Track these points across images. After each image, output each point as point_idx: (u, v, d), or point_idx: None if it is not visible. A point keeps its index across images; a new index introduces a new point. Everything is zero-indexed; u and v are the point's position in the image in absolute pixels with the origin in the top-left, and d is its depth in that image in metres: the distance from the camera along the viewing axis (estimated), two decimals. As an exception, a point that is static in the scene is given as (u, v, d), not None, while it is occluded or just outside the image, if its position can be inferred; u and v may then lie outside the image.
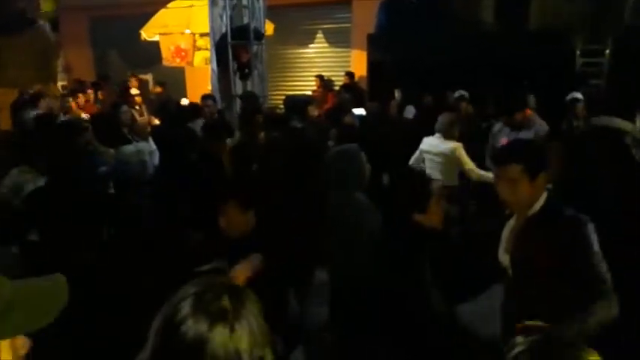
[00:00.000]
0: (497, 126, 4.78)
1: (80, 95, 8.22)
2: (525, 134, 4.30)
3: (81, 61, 12.57)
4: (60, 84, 11.33)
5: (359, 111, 6.10)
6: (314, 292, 3.40)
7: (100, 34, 12.57)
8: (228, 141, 4.04)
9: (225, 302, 0.98)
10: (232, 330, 0.96)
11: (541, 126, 4.43)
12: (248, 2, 6.68)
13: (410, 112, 7.34)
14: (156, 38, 9.10)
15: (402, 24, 9.04)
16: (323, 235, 3.13)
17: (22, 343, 0.94)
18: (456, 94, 7.23)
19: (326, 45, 11.39)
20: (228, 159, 3.65)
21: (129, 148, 4.95)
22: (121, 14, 10.71)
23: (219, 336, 0.95)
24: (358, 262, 2.95)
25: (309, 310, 3.48)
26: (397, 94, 7.97)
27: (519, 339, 1.23)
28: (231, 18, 6.62)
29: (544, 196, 2.12)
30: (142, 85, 10.12)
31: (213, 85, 6.86)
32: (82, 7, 11.44)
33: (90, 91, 8.64)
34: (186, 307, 0.98)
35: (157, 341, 0.99)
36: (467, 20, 9.39)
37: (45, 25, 12.47)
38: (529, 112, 4.64)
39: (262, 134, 3.80)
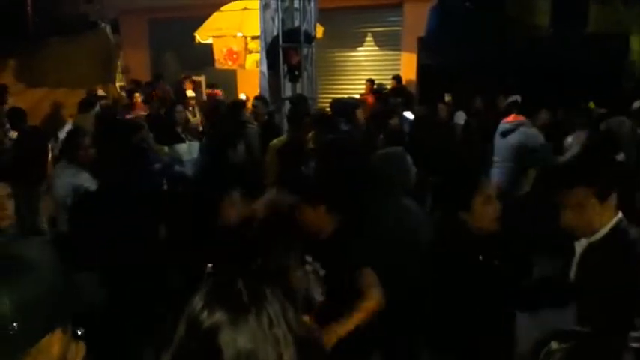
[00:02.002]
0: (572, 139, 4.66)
1: (136, 95, 8.55)
2: None
3: (139, 62, 13.05)
4: (118, 84, 11.80)
5: (409, 114, 6.06)
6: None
7: (157, 36, 13.02)
8: (274, 141, 4.12)
9: (242, 295, 0.96)
10: (245, 323, 0.94)
11: None
12: (299, 5, 6.77)
13: (460, 117, 7.23)
14: (209, 41, 9.36)
15: (454, 27, 8.92)
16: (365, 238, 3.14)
17: (79, 349, 1.00)
18: (509, 99, 7.06)
19: (376, 48, 11.37)
20: (272, 159, 3.71)
21: (182, 147, 5.17)
22: (178, 17, 11.06)
23: (229, 328, 0.94)
24: (405, 268, 2.95)
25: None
26: (447, 97, 7.86)
27: (554, 345, 1.20)
28: (283, 21, 6.72)
29: (614, 219, 1.88)
30: (195, 87, 10.42)
31: (262, 87, 6.99)
32: (141, 10, 11.89)
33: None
34: (203, 300, 0.98)
35: (178, 334, 0.99)
36: (521, 24, 9.17)
37: (106, 27, 13.07)
38: None
39: (310, 136, 3.84)
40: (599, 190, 1.84)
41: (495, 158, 5.25)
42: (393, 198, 2.97)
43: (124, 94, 10.07)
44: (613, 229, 1.86)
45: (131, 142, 4.00)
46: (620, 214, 1.90)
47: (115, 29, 13.13)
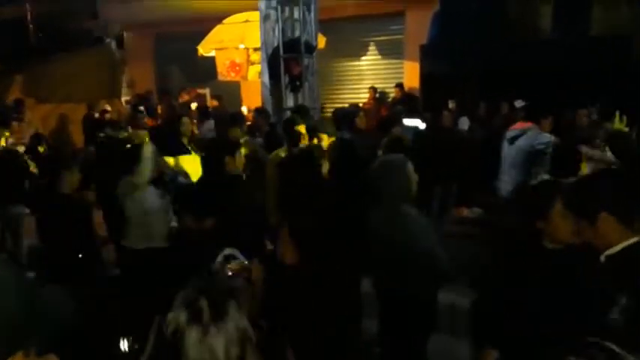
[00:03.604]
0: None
1: (140, 108, 8.59)
2: None
3: (143, 76, 13.14)
4: (124, 99, 11.89)
5: (411, 122, 6.02)
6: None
7: (161, 50, 13.12)
8: (274, 154, 4.11)
9: (203, 303, 1.08)
10: (207, 330, 1.06)
11: None
12: (299, 16, 6.79)
13: (464, 123, 7.20)
14: (212, 53, 9.40)
15: (456, 34, 8.91)
16: (366, 245, 3.11)
17: None
18: (516, 104, 7.01)
19: (378, 57, 11.37)
20: (272, 171, 3.70)
21: (187, 158, 5.22)
22: (182, 31, 11.13)
23: (194, 333, 1.06)
24: (410, 276, 2.91)
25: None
26: (451, 104, 7.83)
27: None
28: (283, 31, 6.74)
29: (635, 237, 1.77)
30: (200, 99, 10.48)
31: (264, 98, 6.99)
32: (145, 25, 11.99)
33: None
34: (175, 305, 1.11)
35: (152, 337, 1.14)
36: (524, 28, 9.15)
37: (111, 42, 13.20)
38: None
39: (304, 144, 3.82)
40: (622, 216, 1.76)
41: (503, 167, 5.12)
42: (392, 204, 2.94)
43: (128, 107, 10.14)
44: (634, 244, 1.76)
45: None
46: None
47: (120, 44, 13.30)
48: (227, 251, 2.20)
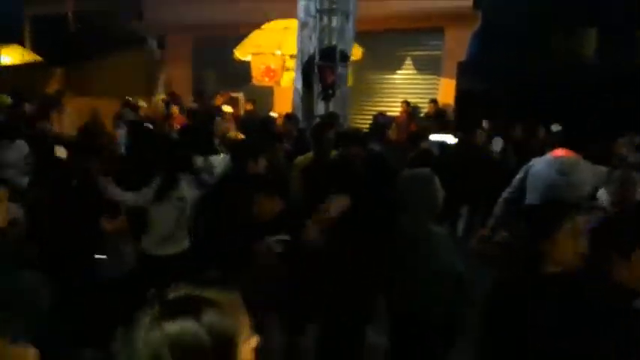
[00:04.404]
0: None
1: (174, 107, 8.69)
2: None
3: (181, 78, 13.35)
4: (160, 97, 12.09)
5: (440, 137, 5.90)
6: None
7: (200, 53, 13.31)
8: (300, 158, 4.05)
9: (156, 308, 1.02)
10: (159, 329, 0.99)
11: None
12: (337, 25, 6.76)
13: (498, 143, 7.02)
14: (248, 58, 9.46)
15: (495, 53, 8.75)
16: (388, 261, 3.02)
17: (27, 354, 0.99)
18: (553, 128, 6.79)
19: (414, 72, 11.27)
20: (296, 176, 3.65)
21: (216, 159, 5.19)
22: (221, 35, 11.27)
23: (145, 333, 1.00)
24: (425, 295, 2.80)
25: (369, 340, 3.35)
26: (485, 124, 7.66)
27: None
28: (320, 40, 6.73)
29: None
30: (234, 103, 10.56)
31: (295, 104, 6.98)
32: (187, 28, 12.19)
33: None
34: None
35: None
36: (566, 51, 8.93)
37: (153, 43, 13.48)
38: None
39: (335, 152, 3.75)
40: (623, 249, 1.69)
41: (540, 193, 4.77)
42: (418, 220, 2.84)
43: (163, 105, 10.27)
44: None
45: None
46: None
47: (161, 45, 13.57)
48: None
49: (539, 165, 4.59)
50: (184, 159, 3.92)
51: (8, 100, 8.21)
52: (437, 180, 2.89)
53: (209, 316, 1.00)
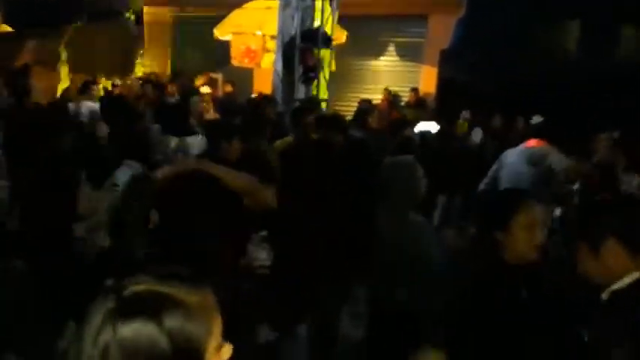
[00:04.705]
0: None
1: (148, 85, 8.45)
2: None
3: (159, 56, 13.01)
4: (136, 76, 11.75)
5: (425, 125, 5.83)
6: (349, 310, 3.20)
7: (179, 31, 12.97)
8: (278, 142, 3.93)
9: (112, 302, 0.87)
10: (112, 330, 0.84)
11: None
12: (321, 6, 6.60)
13: (477, 134, 6.99)
14: (229, 37, 9.22)
15: (479, 42, 8.71)
16: (368, 250, 2.94)
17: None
18: (533, 119, 6.77)
19: (396, 58, 11.17)
20: (274, 161, 3.53)
21: (192, 139, 4.99)
22: (201, 14, 11.00)
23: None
24: (411, 284, 2.74)
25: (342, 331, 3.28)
26: (465, 113, 7.62)
27: None
28: (302, 21, 6.56)
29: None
30: (212, 84, 10.32)
31: (275, 87, 6.82)
32: (166, 3, 11.85)
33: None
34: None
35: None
36: (549, 45, 8.95)
37: (129, 18, 13.06)
38: None
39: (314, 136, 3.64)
40: (632, 246, 1.58)
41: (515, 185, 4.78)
42: (399, 210, 2.76)
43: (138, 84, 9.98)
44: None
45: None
46: None
47: (138, 21, 13.16)
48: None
49: (512, 156, 4.70)
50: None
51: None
52: (420, 168, 2.81)
53: (172, 319, 0.84)
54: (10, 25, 10.70)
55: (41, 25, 10.38)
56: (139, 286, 0.87)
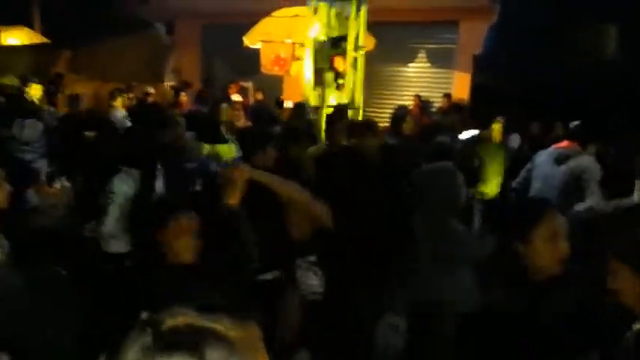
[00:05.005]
0: None
1: (182, 94, 8.55)
2: None
3: (190, 65, 13.16)
4: (167, 84, 11.91)
5: (469, 133, 5.73)
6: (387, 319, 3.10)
7: (209, 40, 13.11)
8: (312, 149, 3.87)
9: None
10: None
11: None
12: (349, 13, 6.55)
13: (515, 140, 6.81)
14: (258, 46, 9.24)
15: (512, 47, 8.53)
16: (403, 259, 2.84)
17: None
18: (571, 125, 6.56)
19: (427, 65, 11.03)
20: (309, 167, 3.47)
21: (223, 147, 4.99)
22: (231, 22, 11.06)
23: None
24: (451, 291, 2.64)
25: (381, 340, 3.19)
26: (500, 120, 7.42)
27: None
28: (332, 28, 6.51)
29: None
30: (243, 92, 10.37)
31: (305, 94, 6.77)
32: (196, 14, 11.99)
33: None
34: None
35: None
36: (585, 50, 8.71)
37: (160, 28, 13.29)
38: None
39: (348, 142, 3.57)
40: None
41: (544, 188, 4.68)
42: (438, 219, 2.66)
43: (171, 92, 10.12)
44: None
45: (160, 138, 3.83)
46: None
47: (170, 31, 13.37)
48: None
49: (542, 156, 4.76)
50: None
51: (16, 81, 8.09)
52: (460, 175, 2.70)
53: (214, 354, 0.77)
54: (48, 38, 11.01)
55: (75, 38, 10.64)
56: (177, 319, 0.81)
